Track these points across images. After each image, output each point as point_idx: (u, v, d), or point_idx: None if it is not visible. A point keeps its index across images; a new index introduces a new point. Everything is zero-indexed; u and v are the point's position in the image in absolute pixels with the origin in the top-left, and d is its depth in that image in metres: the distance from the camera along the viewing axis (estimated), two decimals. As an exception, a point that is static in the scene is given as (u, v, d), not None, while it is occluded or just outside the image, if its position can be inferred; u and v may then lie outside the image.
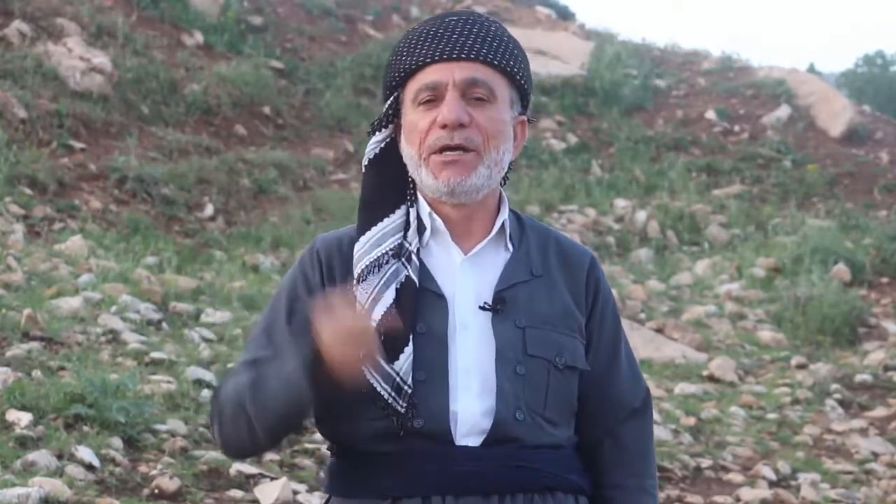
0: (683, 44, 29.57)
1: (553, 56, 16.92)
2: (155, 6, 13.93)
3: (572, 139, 15.00)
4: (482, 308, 2.13)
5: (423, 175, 2.15)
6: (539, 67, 16.21)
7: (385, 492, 2.08)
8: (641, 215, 12.78)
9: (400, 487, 2.07)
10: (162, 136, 11.70)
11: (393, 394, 2.07)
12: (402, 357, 2.07)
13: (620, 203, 13.06)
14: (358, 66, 14.99)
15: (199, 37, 13.99)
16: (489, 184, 2.15)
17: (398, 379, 2.07)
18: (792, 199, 13.90)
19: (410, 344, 2.08)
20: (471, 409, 2.09)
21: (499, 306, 2.14)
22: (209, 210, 10.75)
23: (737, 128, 15.76)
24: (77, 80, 11.49)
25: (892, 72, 40.16)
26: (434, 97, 2.13)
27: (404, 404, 2.06)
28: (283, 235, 10.50)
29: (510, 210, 2.25)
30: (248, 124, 12.90)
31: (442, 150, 2.12)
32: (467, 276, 2.16)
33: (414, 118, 2.15)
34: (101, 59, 11.91)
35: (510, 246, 2.20)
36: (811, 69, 31.75)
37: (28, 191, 9.55)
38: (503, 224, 2.21)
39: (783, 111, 16.13)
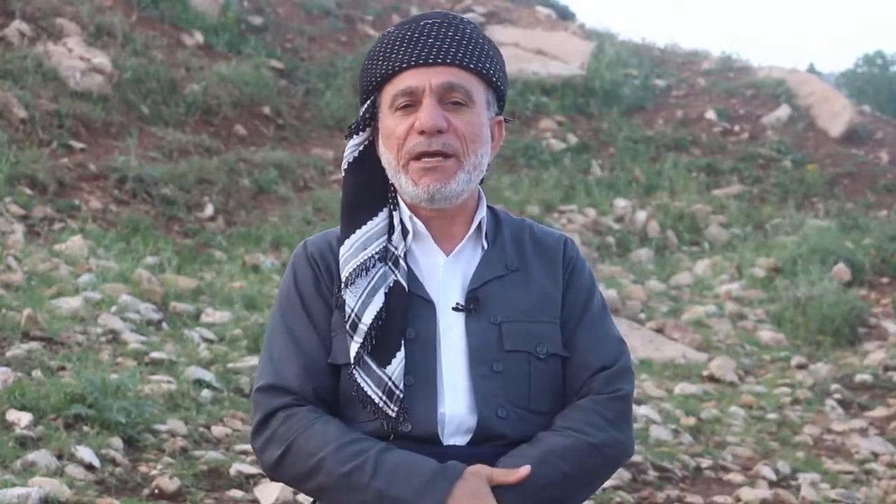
0: (683, 44, 29.62)
1: (553, 56, 16.91)
2: (155, 6, 13.93)
3: (572, 139, 14.99)
4: (455, 309, 2.14)
5: (402, 181, 2.16)
6: (539, 67, 16.21)
7: None
8: (641, 215, 12.78)
9: None
10: (162, 136, 11.70)
11: (384, 398, 2.08)
12: (393, 362, 2.08)
13: (620, 203, 13.06)
14: (358, 66, 14.97)
15: (199, 37, 13.99)
16: (468, 188, 2.17)
17: (390, 384, 2.08)
18: (792, 199, 13.90)
19: (402, 349, 2.09)
20: (457, 410, 2.10)
21: (472, 306, 2.14)
22: (209, 210, 10.74)
23: (737, 128, 15.76)
24: (77, 80, 11.49)
25: (892, 72, 40.19)
26: (411, 102, 2.14)
27: (395, 408, 2.07)
28: (283, 235, 10.50)
29: (487, 207, 2.26)
30: (248, 124, 12.90)
31: (420, 156, 2.13)
32: (450, 278, 2.17)
33: (391, 123, 2.16)
34: (101, 59, 11.90)
35: (485, 244, 2.21)
36: (811, 69, 31.79)
37: (28, 191, 9.55)
38: (480, 222, 2.22)
39: (783, 111, 16.12)
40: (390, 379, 2.07)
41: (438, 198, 2.14)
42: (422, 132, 2.12)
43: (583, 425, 2.12)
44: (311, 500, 2.21)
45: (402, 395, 2.08)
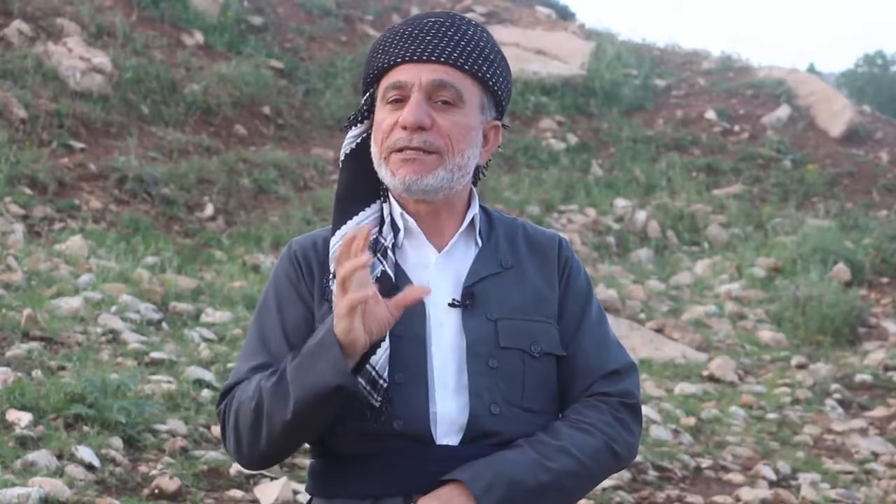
0: (683, 44, 29.59)
1: (553, 56, 16.91)
2: (155, 6, 13.93)
3: (572, 139, 15.00)
4: (451, 305, 2.14)
5: (383, 172, 2.17)
6: (539, 67, 16.22)
7: (366, 492, 2.08)
8: (641, 215, 12.78)
9: (380, 487, 2.07)
10: (162, 136, 11.70)
11: (368, 388, 2.06)
12: (378, 352, 2.07)
13: (620, 203, 13.06)
14: (358, 66, 14.98)
15: (199, 37, 13.99)
16: (449, 186, 2.16)
17: (374, 373, 2.07)
18: (792, 199, 13.90)
19: (387, 339, 2.08)
20: (448, 408, 2.10)
21: (468, 302, 2.15)
22: (209, 210, 10.75)
23: (737, 128, 15.76)
24: (77, 80, 11.49)
25: (892, 72, 40.16)
26: (401, 97, 2.15)
27: (379, 398, 2.06)
28: (283, 235, 10.50)
29: (480, 206, 2.26)
30: (248, 124, 12.90)
31: (402, 150, 2.13)
32: (441, 274, 2.17)
33: (381, 117, 2.17)
34: (101, 59, 11.91)
35: (479, 241, 2.21)
36: (811, 69, 31.78)
37: (28, 191, 9.55)
38: (473, 219, 2.22)
39: (783, 111, 16.13)
40: (374, 369, 2.07)
41: (414, 189, 2.14)
42: (404, 127, 2.13)
43: (598, 423, 2.14)
44: (308, 499, 2.20)
45: (385, 385, 2.06)
